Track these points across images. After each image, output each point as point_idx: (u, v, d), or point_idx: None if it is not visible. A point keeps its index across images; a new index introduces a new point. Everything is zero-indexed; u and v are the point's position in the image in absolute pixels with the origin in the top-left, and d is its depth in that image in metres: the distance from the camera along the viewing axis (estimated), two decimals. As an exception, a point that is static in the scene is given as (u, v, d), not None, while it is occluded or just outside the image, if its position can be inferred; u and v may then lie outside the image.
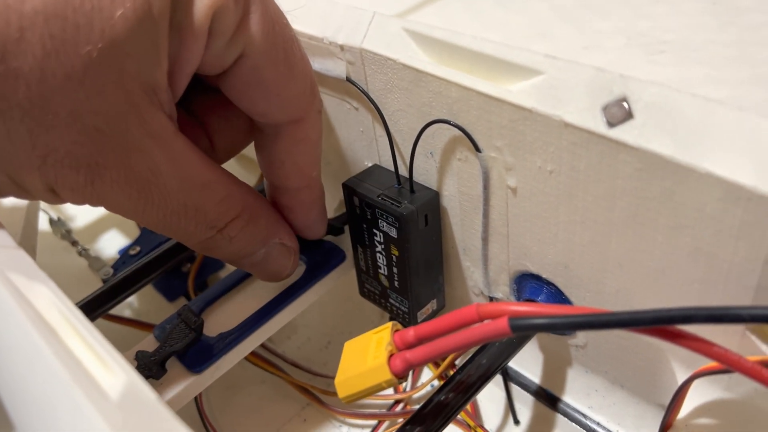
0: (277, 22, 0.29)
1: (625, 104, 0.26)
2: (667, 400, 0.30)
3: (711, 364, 0.27)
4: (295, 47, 0.31)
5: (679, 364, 0.31)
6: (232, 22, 0.27)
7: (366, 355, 0.30)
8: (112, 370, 0.21)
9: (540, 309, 0.26)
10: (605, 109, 0.26)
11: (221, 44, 0.28)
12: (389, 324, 0.30)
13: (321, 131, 0.34)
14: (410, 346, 0.29)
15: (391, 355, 0.29)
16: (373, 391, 0.29)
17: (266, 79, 0.30)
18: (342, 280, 0.48)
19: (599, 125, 0.26)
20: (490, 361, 0.32)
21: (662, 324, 0.24)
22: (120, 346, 0.37)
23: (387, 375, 0.28)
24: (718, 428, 0.29)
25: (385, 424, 0.41)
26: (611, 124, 0.26)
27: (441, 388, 0.32)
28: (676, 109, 0.25)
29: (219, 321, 0.38)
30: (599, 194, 0.28)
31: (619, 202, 0.28)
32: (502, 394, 0.41)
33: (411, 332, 0.29)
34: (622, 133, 0.26)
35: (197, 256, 0.48)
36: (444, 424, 0.31)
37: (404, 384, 0.44)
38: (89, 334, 0.22)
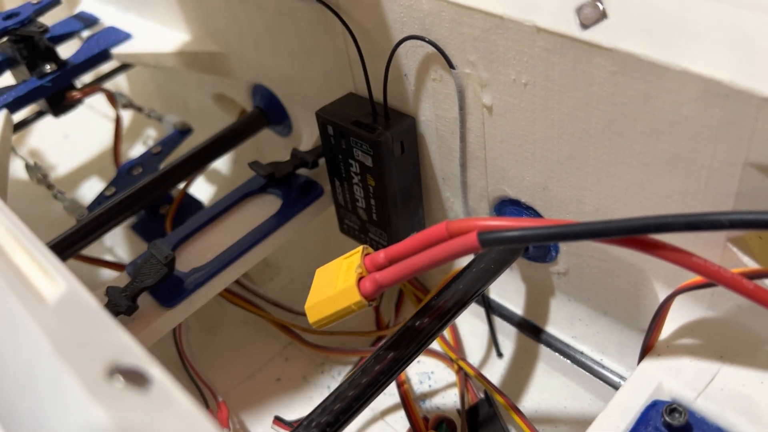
0: None
1: (599, 4, 0.25)
2: (649, 324, 0.29)
3: (692, 279, 0.26)
4: None
5: (661, 284, 0.30)
6: None
7: (336, 279, 0.29)
8: (53, 279, 0.20)
9: (510, 222, 0.25)
10: (579, 10, 0.25)
11: None
12: (360, 248, 0.29)
13: None
14: (381, 267, 0.28)
15: (361, 278, 0.28)
16: (343, 314, 0.28)
17: None
18: (325, 219, 0.47)
19: (572, 28, 0.25)
20: (466, 287, 0.31)
21: (637, 233, 0.23)
22: (94, 286, 0.36)
23: (356, 297, 0.28)
24: (700, 348, 0.28)
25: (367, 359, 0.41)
26: (585, 26, 0.25)
27: (416, 315, 0.31)
28: (652, 5, 0.24)
29: (192, 256, 0.37)
30: (575, 104, 0.27)
31: (595, 111, 0.26)
32: (486, 327, 0.40)
33: (381, 254, 0.28)
34: (596, 34, 0.24)
35: (174, 197, 0.47)
36: (419, 350, 0.30)
37: (388, 320, 0.43)
38: (33, 245, 0.21)
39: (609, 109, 0.26)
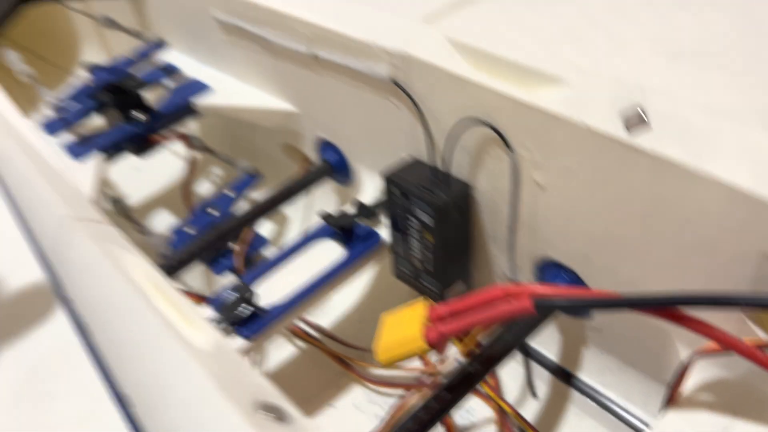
0: None
1: (642, 113, 0.29)
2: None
3: (711, 344, 0.31)
4: None
5: (683, 345, 0.34)
6: None
7: (403, 326, 0.33)
8: (196, 327, 0.25)
9: (561, 291, 0.30)
10: (624, 115, 0.30)
11: None
12: (424, 300, 0.34)
13: None
14: (442, 319, 0.33)
15: (425, 327, 0.33)
16: (408, 356, 0.33)
17: None
18: (375, 261, 0.52)
19: (619, 130, 0.30)
20: (513, 338, 0.36)
21: (668, 305, 0.28)
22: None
23: (422, 344, 0.32)
24: (716, 404, 0.32)
25: (412, 392, 0.45)
26: (629, 130, 0.30)
27: (471, 361, 0.35)
28: (687, 120, 0.28)
29: (268, 293, 0.42)
30: (617, 192, 0.32)
31: (634, 200, 0.31)
32: (522, 370, 0.45)
33: (444, 307, 0.33)
34: (639, 138, 0.29)
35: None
36: (469, 391, 0.34)
37: (432, 358, 0.48)
38: (177, 297, 0.26)
39: (647, 199, 0.30)
